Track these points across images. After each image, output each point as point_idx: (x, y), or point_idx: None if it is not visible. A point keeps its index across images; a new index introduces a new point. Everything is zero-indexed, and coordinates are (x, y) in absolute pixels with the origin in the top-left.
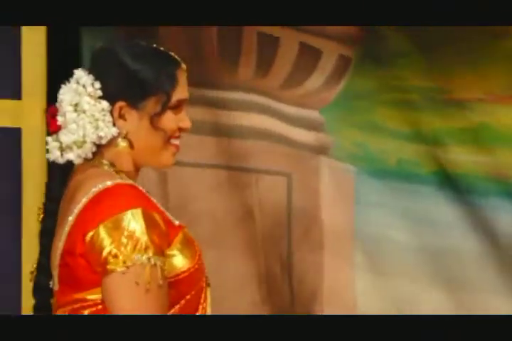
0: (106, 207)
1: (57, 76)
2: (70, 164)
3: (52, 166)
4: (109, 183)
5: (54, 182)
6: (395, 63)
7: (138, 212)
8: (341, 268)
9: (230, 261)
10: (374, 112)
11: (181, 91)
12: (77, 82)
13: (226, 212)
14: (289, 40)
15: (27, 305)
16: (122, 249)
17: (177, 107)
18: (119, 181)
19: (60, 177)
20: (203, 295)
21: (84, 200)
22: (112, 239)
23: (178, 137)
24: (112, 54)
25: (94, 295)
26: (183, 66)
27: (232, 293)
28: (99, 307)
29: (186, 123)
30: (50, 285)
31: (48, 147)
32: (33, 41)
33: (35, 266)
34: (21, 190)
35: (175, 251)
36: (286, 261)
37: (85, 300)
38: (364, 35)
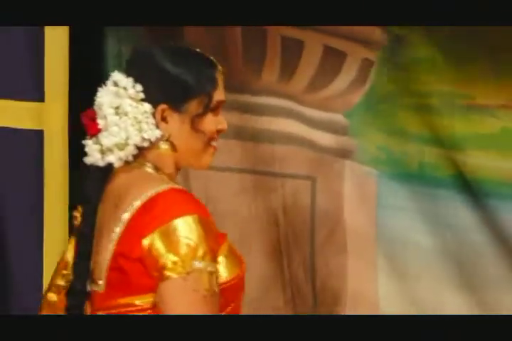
0: (162, 212)
1: (80, 78)
2: (108, 167)
3: (87, 169)
4: (163, 187)
5: (90, 186)
6: (417, 67)
7: (195, 218)
8: (364, 271)
9: (253, 265)
10: (396, 116)
11: (220, 93)
12: (116, 85)
13: (250, 216)
14: (313, 42)
15: None
16: (181, 255)
17: (216, 109)
18: (171, 186)
19: (96, 180)
20: (241, 303)
21: (137, 204)
22: (170, 245)
23: (216, 139)
24: (150, 57)
25: (143, 300)
26: (220, 68)
27: (256, 296)
28: (148, 311)
29: (224, 125)
30: (87, 289)
31: (87, 150)
32: (56, 42)
33: (70, 269)
34: (43, 191)
35: (221, 258)
36: (309, 264)
37: (133, 305)
38: (387, 39)
